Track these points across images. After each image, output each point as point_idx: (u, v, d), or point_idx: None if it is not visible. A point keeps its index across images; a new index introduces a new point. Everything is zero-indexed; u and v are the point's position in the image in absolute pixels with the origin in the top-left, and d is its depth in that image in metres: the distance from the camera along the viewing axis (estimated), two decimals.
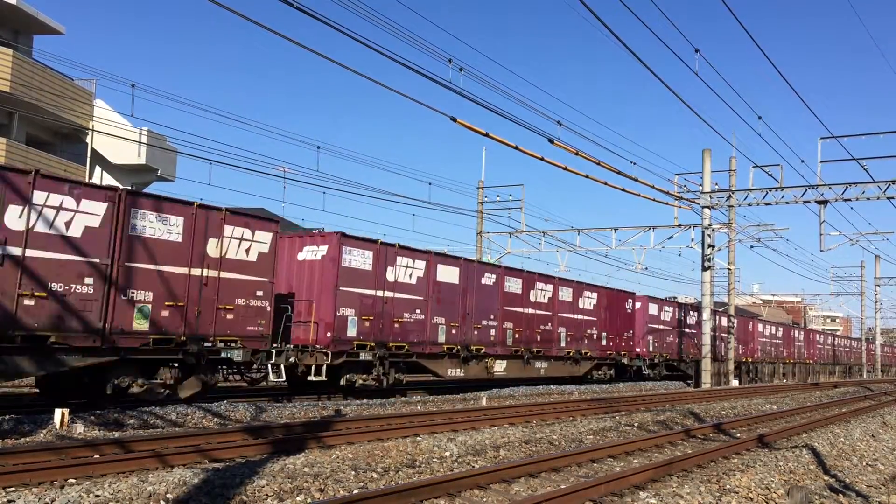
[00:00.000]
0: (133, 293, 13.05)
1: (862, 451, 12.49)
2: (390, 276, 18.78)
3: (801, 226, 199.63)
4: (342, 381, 17.75)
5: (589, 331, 27.88)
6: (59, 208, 12.09)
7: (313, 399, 17.64)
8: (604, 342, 28.87)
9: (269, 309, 15.18)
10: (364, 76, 13.04)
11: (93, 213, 12.55)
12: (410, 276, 19.45)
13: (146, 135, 28.78)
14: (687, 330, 36.22)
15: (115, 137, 25.66)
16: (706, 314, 30.30)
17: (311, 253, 17.94)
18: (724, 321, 36.36)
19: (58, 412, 10.96)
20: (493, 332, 22.52)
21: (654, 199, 27.25)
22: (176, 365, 13.93)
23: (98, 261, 12.55)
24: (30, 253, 11.66)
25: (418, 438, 11.23)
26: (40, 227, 11.84)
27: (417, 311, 19.55)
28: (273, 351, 15.61)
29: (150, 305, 13.29)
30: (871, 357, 69.96)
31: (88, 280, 12.40)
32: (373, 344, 18.10)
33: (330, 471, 8.36)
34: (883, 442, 13.93)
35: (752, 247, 38.80)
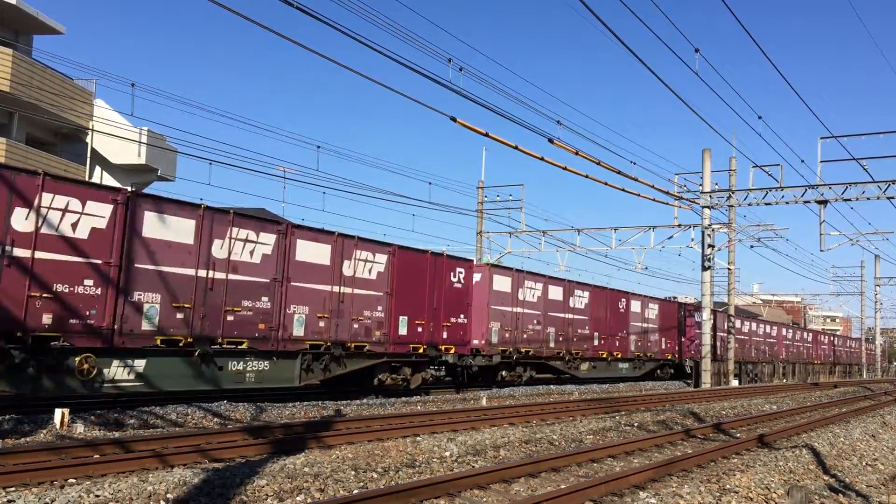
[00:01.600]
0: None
1: (862, 450, 12.50)
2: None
3: (801, 226, 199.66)
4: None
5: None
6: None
7: (313, 399, 17.66)
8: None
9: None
10: (364, 76, 13.06)
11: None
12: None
13: (146, 135, 28.77)
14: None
15: (115, 137, 25.66)
16: (706, 314, 30.29)
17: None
18: (724, 321, 36.37)
19: (58, 412, 10.96)
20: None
21: (654, 199, 27.26)
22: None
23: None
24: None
25: (418, 438, 11.23)
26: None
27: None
28: None
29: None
30: (858, 356, 69.86)
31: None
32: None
33: (330, 471, 8.36)
34: (883, 442, 13.93)
35: (752, 247, 38.82)
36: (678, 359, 35.10)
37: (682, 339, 35.63)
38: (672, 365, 35.10)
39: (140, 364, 13.03)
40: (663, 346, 33.77)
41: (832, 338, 64.87)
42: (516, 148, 18.38)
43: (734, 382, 33.68)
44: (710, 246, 30.07)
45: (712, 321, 31.69)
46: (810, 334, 58.54)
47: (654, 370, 33.66)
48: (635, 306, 31.37)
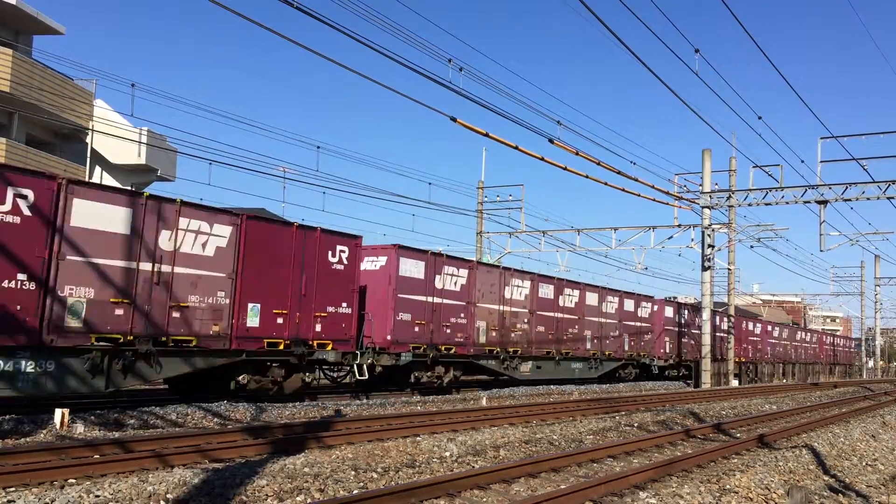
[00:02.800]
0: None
1: (862, 451, 12.49)
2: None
3: (801, 226, 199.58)
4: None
5: None
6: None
7: (313, 399, 17.66)
8: None
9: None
10: (364, 76, 13.06)
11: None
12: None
13: (146, 135, 28.78)
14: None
15: (115, 137, 25.67)
16: (706, 314, 30.30)
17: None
18: (724, 321, 36.38)
19: (58, 412, 10.96)
20: None
21: (654, 200, 27.27)
22: None
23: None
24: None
25: (418, 438, 11.23)
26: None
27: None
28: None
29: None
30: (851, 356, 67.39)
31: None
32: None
33: (330, 471, 8.36)
34: (883, 442, 13.93)
35: (752, 247, 38.80)
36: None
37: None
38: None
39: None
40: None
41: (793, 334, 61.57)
42: (516, 148, 18.39)
43: (734, 382, 33.68)
44: (710, 246, 30.09)
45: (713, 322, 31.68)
46: (806, 333, 57.92)
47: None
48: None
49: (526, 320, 24.30)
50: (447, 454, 10.03)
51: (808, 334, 59.70)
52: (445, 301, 20.81)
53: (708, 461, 10.51)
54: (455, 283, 21.29)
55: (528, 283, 24.59)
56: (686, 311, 36.58)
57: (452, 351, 20.97)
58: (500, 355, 22.87)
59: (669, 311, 34.47)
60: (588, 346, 27.89)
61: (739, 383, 34.99)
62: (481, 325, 22.18)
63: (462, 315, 21.46)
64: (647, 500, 7.87)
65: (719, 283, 41.13)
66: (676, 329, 35.25)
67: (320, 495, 7.34)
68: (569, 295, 26.96)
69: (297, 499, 7.13)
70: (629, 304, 31.15)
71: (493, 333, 22.67)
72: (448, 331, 20.86)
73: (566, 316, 26.59)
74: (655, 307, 33.33)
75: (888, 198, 25.29)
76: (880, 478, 10.19)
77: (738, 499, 8.07)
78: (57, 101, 25.31)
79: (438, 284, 20.57)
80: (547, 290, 25.63)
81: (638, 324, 31.63)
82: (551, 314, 25.72)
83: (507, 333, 23.34)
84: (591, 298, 28.35)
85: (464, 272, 21.70)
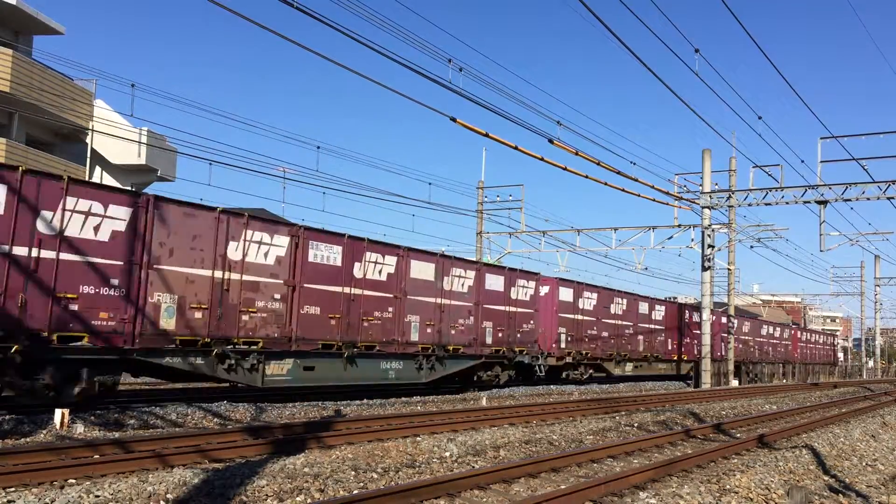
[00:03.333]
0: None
1: (862, 451, 12.50)
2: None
3: (801, 226, 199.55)
4: None
5: None
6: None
7: (314, 399, 17.66)
8: None
9: None
10: (364, 76, 13.07)
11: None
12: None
13: (146, 135, 28.78)
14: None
15: (115, 137, 25.67)
16: (706, 314, 30.31)
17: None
18: (724, 321, 36.38)
19: (58, 412, 10.96)
20: None
21: (653, 200, 27.28)
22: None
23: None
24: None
25: (418, 438, 11.23)
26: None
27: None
28: None
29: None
30: (792, 352, 56.98)
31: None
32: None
33: (330, 471, 8.36)
34: (883, 442, 13.94)
35: (752, 247, 38.80)
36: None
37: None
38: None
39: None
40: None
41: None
42: (516, 148, 18.40)
43: (734, 382, 33.70)
44: (710, 246, 30.09)
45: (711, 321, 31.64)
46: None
47: None
48: None
49: (278, 296, 15.79)
50: (447, 454, 10.04)
51: (778, 329, 52.78)
52: (65, 257, 12.30)
53: (708, 461, 10.51)
54: (99, 230, 12.83)
55: (284, 240, 16.06)
56: (595, 296, 29.61)
57: (84, 342, 12.44)
58: (212, 348, 14.36)
59: (567, 294, 27.60)
60: (414, 336, 19.32)
61: (739, 383, 35.00)
62: (165, 299, 13.77)
63: (116, 282, 12.97)
64: (647, 500, 7.87)
65: (719, 283, 41.21)
66: (579, 318, 28.16)
67: (320, 495, 7.34)
68: (375, 262, 18.30)
69: (297, 499, 7.13)
70: (495, 282, 22.44)
71: (197, 314, 14.24)
72: (73, 307, 12.34)
73: (371, 293, 18.08)
74: (545, 288, 26.05)
75: (888, 198, 25.30)
76: (880, 478, 10.20)
77: (738, 499, 8.07)
78: (57, 101, 25.31)
79: (45, 227, 12.05)
80: (328, 255, 17.08)
81: (511, 308, 22.90)
82: (338, 289, 17.18)
83: (232, 314, 14.84)
84: (423, 270, 19.71)
85: (123, 212, 13.20)
